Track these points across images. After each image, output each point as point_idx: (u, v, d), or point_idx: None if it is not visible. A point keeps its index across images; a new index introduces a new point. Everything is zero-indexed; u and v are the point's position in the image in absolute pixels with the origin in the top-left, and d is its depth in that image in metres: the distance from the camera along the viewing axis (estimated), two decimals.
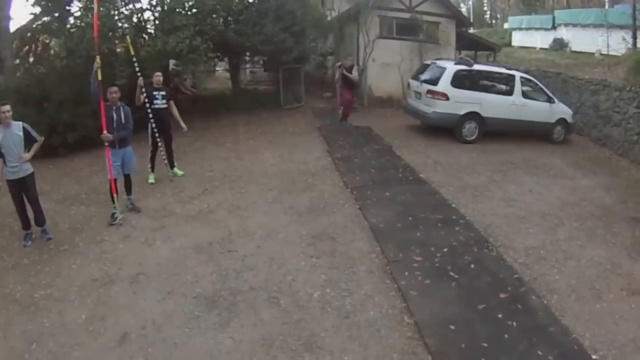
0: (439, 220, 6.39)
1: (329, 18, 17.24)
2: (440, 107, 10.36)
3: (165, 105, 7.85)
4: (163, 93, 7.81)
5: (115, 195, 6.41)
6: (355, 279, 4.94)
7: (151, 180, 7.89)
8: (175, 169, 8.28)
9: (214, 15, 11.85)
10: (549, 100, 11.40)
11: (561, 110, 11.54)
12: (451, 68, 10.60)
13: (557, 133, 11.47)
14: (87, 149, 9.71)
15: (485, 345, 3.92)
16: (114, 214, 6.45)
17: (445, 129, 10.75)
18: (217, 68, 18.48)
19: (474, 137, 10.73)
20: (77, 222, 6.48)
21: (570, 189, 8.05)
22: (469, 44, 18.31)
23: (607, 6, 23.09)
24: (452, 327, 4.14)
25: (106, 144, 6.35)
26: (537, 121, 11.17)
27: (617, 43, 17.43)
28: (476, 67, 11.05)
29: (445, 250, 5.54)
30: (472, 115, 10.50)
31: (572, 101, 12.26)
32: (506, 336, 4.06)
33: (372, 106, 14.89)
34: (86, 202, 7.27)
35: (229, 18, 12.47)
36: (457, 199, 7.21)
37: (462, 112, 10.43)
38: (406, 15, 15.55)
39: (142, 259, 5.38)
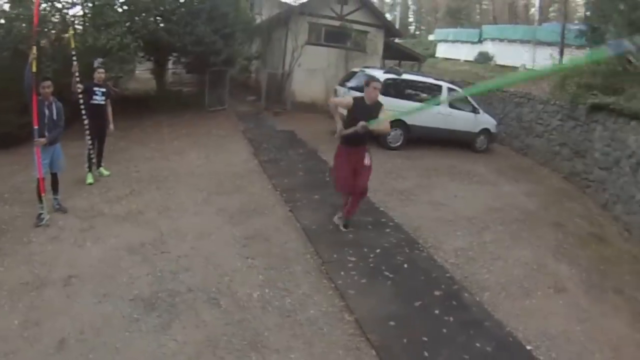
0: (369, 222, 6.68)
1: (257, 21, 17.67)
2: None
3: (104, 102, 7.93)
4: (103, 90, 7.91)
5: (42, 194, 6.20)
6: (292, 279, 5.05)
7: (90, 180, 7.80)
8: (102, 169, 8.26)
9: (146, 14, 11.96)
10: (474, 110, 12.27)
11: (485, 120, 12.44)
12: (380, 76, 11.01)
13: (480, 142, 12.35)
14: (8, 146, 9.63)
15: (426, 339, 4.14)
16: (40, 214, 6.20)
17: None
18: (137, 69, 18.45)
19: (399, 144, 11.30)
20: (1, 223, 6.20)
21: (495, 195, 8.69)
22: (395, 54, 19.24)
23: (535, 24, 25.21)
24: (392, 323, 4.33)
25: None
26: (461, 130, 12.00)
27: (543, 59, 19.14)
28: (405, 76, 11.70)
29: (378, 251, 5.79)
30: (398, 123, 11.00)
31: (496, 112, 13.24)
32: (444, 330, 4.32)
33: (295, 111, 15.36)
34: (10, 201, 7.00)
35: (159, 17, 12.68)
36: (385, 202, 7.54)
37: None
38: (336, 23, 16.23)
39: (73, 261, 5.20)
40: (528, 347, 4.26)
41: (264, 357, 3.80)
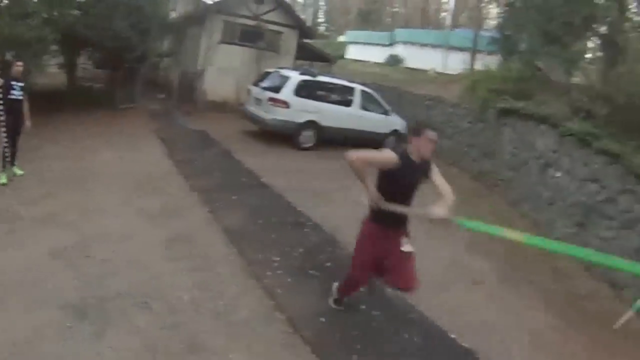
0: (288, 222, 6.77)
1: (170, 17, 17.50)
2: (280, 115, 10.99)
3: (21, 98, 7.69)
4: (22, 84, 7.66)
5: None
6: (220, 280, 5.00)
7: (3, 180, 7.44)
8: (15, 168, 7.89)
9: (64, 5, 11.61)
10: (385, 112, 12.83)
11: (395, 121, 13.05)
12: (295, 77, 11.32)
13: (390, 142, 12.72)
14: None
15: (356, 333, 4.28)
16: None
17: (283, 136, 11.36)
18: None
19: (310, 144, 11.54)
20: None
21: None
22: (307, 54, 19.54)
23: (447, 29, 26.57)
24: (322, 319, 4.41)
25: None
26: (372, 131, 12.45)
27: (454, 63, 20.21)
28: (320, 78, 11.96)
29: (301, 250, 5.86)
30: (311, 124, 11.28)
31: (406, 114, 13.78)
32: (373, 324, 4.48)
33: (206, 110, 15.24)
34: None
35: (78, 10, 12.36)
36: (301, 202, 7.64)
37: (301, 120, 11.19)
38: (251, 23, 16.25)
39: None
40: (452, 336, 4.53)
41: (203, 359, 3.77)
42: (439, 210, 3.64)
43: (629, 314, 5.46)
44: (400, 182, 3.84)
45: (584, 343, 4.98)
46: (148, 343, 3.84)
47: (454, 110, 12.69)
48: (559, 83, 11.08)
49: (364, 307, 4.72)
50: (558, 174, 8.29)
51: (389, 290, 5.11)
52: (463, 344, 4.45)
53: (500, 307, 5.45)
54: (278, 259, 5.50)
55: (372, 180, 3.83)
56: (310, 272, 5.32)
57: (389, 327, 4.45)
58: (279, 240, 6.05)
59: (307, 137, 11.39)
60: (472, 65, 18.87)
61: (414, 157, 3.85)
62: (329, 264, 5.58)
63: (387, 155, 3.81)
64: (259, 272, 5.15)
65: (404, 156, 3.80)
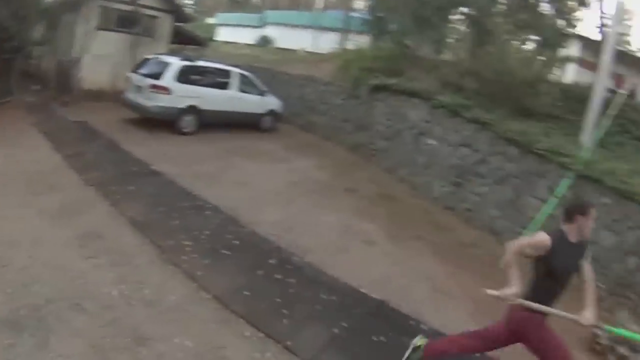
0: (188, 207, 6.81)
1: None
2: (162, 101, 10.74)
3: None
4: None
5: None
6: (140, 271, 4.96)
7: None
8: None
9: None
10: (261, 93, 13.15)
11: (271, 101, 13.42)
12: (176, 63, 11.10)
13: (267, 122, 13.24)
14: None
15: (280, 300, 4.61)
16: None
17: (163, 122, 11.17)
18: None
19: (192, 129, 11.47)
20: None
21: (290, 170, 9.53)
22: (181, 39, 19.01)
23: (317, 10, 27.05)
24: (246, 292, 4.67)
25: None
26: (250, 112, 12.74)
27: (325, 43, 20.86)
28: (199, 62, 11.89)
29: (208, 232, 5.99)
30: (192, 109, 11.23)
31: (281, 94, 14.16)
32: (291, 290, 4.84)
33: (83, 99, 14.21)
34: None
35: None
36: (194, 186, 7.67)
37: (182, 106, 11.08)
38: (128, 8, 15.46)
39: None
40: (363, 291, 5.07)
41: (152, 348, 3.79)
42: (589, 316, 3.30)
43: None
44: (558, 268, 3.34)
45: (475, 281, 5.81)
46: (94, 343, 3.78)
47: (326, 88, 13.29)
48: (428, 60, 12.08)
49: (279, 276, 5.05)
50: (432, 142, 9.24)
51: (296, 259, 5.53)
52: (374, 296, 5.00)
53: (396, 261, 6.16)
54: (189, 243, 5.58)
55: (518, 276, 3.37)
56: (223, 251, 5.50)
57: (306, 291, 4.84)
58: (184, 225, 6.09)
59: (188, 122, 11.27)
60: (343, 45, 19.66)
61: (572, 237, 3.41)
62: (236, 242, 5.81)
63: (540, 239, 3.35)
64: (174, 258, 5.21)
65: (559, 238, 3.37)
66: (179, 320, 4.20)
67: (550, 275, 3.34)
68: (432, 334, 4.40)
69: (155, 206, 6.63)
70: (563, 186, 7.10)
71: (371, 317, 4.69)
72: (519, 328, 3.49)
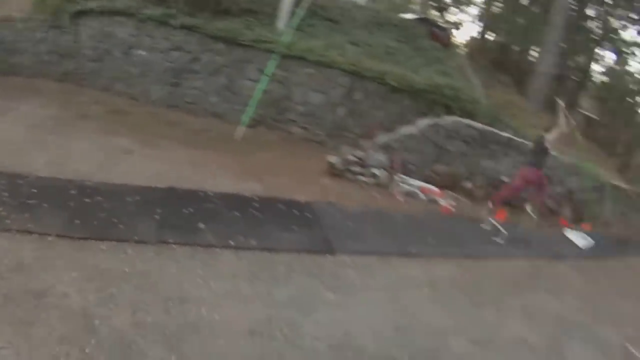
0: None
1: None
2: None
3: None
4: None
5: None
6: None
7: None
8: None
9: None
10: None
11: None
12: None
13: None
14: None
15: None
16: None
17: None
18: None
19: None
20: None
21: (19, 117, 8.82)
22: None
23: None
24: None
25: None
26: None
27: None
28: None
29: None
30: None
31: None
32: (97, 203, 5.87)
33: None
34: None
35: None
36: None
37: None
38: None
39: None
40: (153, 185, 6.51)
41: None
42: None
43: (242, 128, 8.66)
44: None
45: (220, 153, 7.74)
46: None
47: (25, 25, 12.30)
48: None
49: (88, 200, 5.99)
50: (142, 52, 10.22)
51: (87, 183, 6.30)
52: (163, 186, 6.47)
53: (158, 158, 7.53)
54: None
55: None
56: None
57: (108, 202, 5.84)
58: None
59: None
60: None
61: None
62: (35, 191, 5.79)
63: None
64: None
65: None
66: None
67: None
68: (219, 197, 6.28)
69: None
70: (271, 66, 9.37)
71: (171, 199, 6.19)
72: None
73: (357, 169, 8.46)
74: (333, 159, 8.42)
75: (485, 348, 4.74)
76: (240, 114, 9.50)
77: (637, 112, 19.31)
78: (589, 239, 8.74)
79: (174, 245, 5.20)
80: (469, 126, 9.21)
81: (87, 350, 3.52)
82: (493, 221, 7.96)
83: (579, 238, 8.77)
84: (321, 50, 9.70)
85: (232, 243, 5.47)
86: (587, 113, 19.96)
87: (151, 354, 3.63)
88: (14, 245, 4.63)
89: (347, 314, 4.72)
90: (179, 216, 5.82)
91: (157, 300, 4.26)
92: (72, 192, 6.00)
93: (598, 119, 19.75)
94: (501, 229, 7.78)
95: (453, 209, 8.36)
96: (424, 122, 9.26)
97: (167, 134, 8.67)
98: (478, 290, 5.88)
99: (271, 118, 9.90)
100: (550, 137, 8.34)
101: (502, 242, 7.53)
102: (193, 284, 4.62)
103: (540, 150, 8.27)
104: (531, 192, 8.97)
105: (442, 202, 8.51)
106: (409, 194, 8.48)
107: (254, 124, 9.58)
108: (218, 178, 7.14)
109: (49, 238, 4.86)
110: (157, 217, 5.70)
